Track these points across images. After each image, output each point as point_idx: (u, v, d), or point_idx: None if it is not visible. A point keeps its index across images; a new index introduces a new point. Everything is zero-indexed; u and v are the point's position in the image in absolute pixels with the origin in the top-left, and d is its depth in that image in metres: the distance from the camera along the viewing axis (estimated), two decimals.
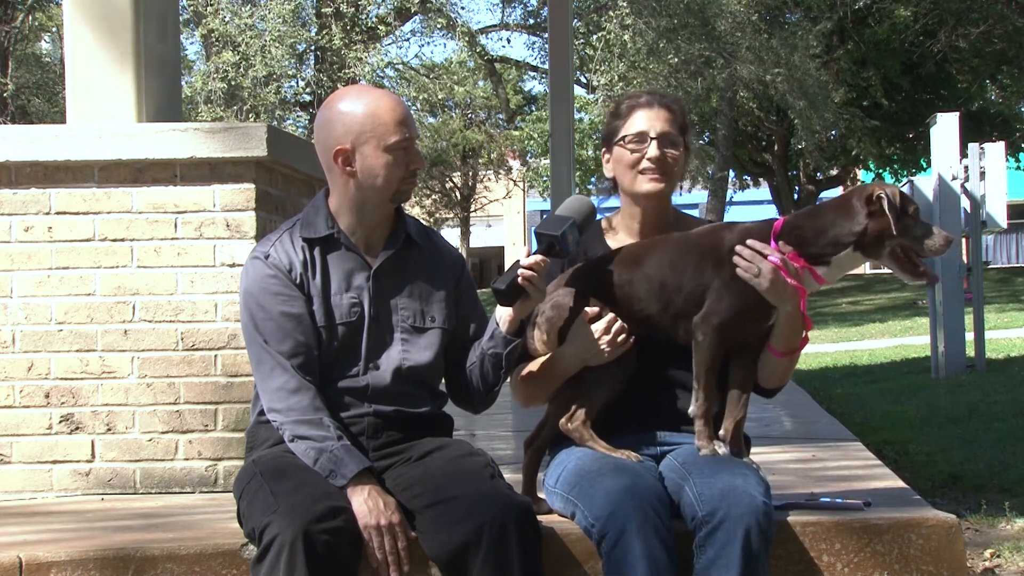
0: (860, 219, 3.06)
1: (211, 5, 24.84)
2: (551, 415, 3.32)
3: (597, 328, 3.15)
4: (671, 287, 3.17)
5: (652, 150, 3.28)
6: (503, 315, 3.14)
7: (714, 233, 3.23)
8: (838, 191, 35.34)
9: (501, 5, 29.97)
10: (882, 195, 3.05)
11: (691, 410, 3.17)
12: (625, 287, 3.20)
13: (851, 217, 3.08)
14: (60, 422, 4.26)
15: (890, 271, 3.19)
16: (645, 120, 3.31)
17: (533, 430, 3.36)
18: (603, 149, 3.40)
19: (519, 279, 3.06)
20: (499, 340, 3.14)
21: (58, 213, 4.27)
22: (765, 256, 3.08)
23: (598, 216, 3.37)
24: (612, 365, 3.18)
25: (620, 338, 3.15)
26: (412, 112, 3.17)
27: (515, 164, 38.78)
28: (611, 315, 3.16)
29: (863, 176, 33.26)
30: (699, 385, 3.15)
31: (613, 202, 3.51)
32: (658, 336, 3.22)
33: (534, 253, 3.10)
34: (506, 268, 3.18)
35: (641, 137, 3.30)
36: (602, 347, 3.14)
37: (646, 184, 3.31)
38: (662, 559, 2.89)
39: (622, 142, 3.32)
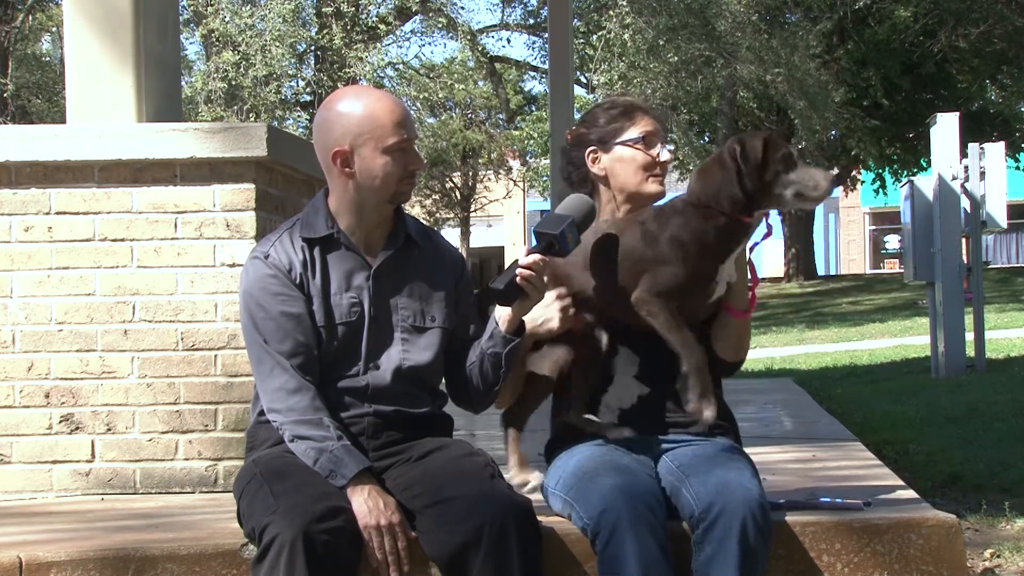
0: (733, 173, 3.09)
1: (211, 5, 24.85)
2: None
3: (547, 297, 3.16)
4: (604, 269, 3.18)
5: (665, 154, 3.31)
6: (502, 315, 3.13)
7: (650, 219, 3.21)
8: (838, 191, 35.35)
9: (501, 5, 30.01)
10: (735, 147, 3.08)
11: (683, 368, 3.11)
12: (565, 267, 3.22)
13: (728, 174, 3.10)
14: (60, 422, 4.26)
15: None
16: (650, 123, 3.33)
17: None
18: (591, 148, 3.33)
19: (517, 279, 3.06)
20: (498, 340, 3.14)
21: (58, 213, 4.27)
22: None
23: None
24: (581, 357, 3.21)
25: (565, 304, 3.16)
26: (412, 112, 3.17)
27: (515, 164, 38.75)
28: (560, 289, 3.18)
29: (864, 176, 33.26)
30: (677, 345, 3.10)
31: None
32: (605, 318, 3.24)
33: (533, 252, 3.10)
34: (506, 268, 3.18)
35: (651, 139, 3.31)
36: (551, 316, 3.16)
37: (653, 186, 3.32)
38: (656, 557, 2.90)
39: (632, 143, 3.30)
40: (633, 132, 3.31)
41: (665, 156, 3.31)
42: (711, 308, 3.25)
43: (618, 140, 3.32)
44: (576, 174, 3.38)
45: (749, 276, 3.26)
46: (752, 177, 3.08)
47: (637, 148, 3.30)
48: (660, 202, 3.36)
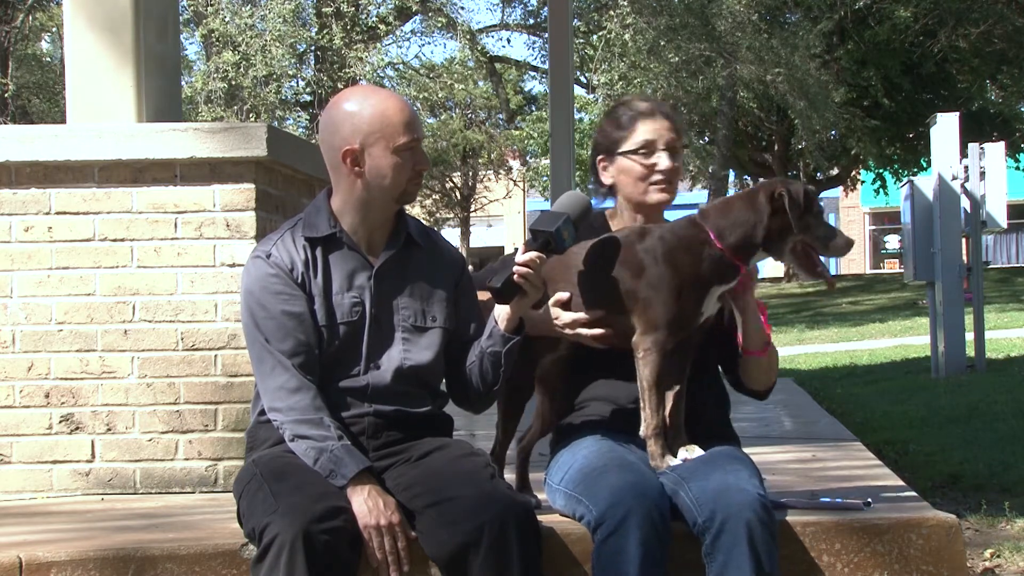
0: (764, 216, 3.06)
1: (211, 5, 24.86)
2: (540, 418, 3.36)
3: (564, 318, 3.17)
4: (593, 286, 3.16)
5: (664, 161, 3.29)
6: (501, 313, 3.13)
7: (639, 237, 3.17)
8: (838, 191, 35.39)
9: (501, 5, 30.01)
10: (783, 192, 3.05)
11: (641, 432, 3.15)
12: (552, 276, 3.20)
13: (757, 213, 3.07)
14: (60, 422, 4.26)
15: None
16: (651, 130, 3.31)
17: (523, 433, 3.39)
18: (600, 157, 3.38)
19: (515, 276, 3.06)
20: (497, 338, 3.14)
21: (58, 213, 4.27)
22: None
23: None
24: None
25: (584, 333, 3.16)
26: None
27: (515, 164, 38.77)
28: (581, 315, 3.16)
29: (864, 176, 33.27)
30: (644, 404, 3.13)
31: (607, 203, 3.51)
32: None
33: (530, 250, 3.09)
34: (500, 263, 3.18)
35: (650, 148, 3.30)
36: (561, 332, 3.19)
37: (656, 195, 3.32)
38: (657, 554, 2.92)
39: (630, 155, 3.31)
40: (631, 143, 3.31)
41: (664, 164, 3.29)
42: (699, 333, 3.21)
43: (619, 151, 3.33)
44: (595, 179, 3.43)
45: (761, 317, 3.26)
46: (795, 223, 3.04)
47: (635, 159, 3.31)
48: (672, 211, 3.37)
